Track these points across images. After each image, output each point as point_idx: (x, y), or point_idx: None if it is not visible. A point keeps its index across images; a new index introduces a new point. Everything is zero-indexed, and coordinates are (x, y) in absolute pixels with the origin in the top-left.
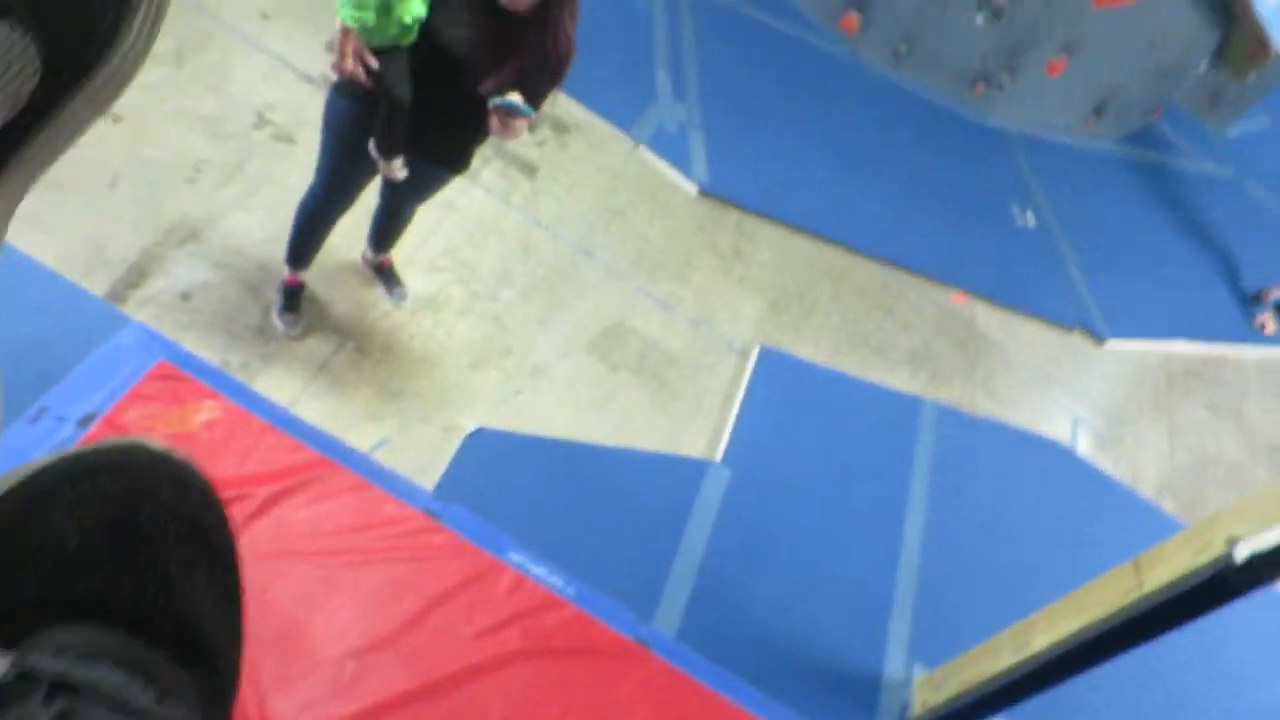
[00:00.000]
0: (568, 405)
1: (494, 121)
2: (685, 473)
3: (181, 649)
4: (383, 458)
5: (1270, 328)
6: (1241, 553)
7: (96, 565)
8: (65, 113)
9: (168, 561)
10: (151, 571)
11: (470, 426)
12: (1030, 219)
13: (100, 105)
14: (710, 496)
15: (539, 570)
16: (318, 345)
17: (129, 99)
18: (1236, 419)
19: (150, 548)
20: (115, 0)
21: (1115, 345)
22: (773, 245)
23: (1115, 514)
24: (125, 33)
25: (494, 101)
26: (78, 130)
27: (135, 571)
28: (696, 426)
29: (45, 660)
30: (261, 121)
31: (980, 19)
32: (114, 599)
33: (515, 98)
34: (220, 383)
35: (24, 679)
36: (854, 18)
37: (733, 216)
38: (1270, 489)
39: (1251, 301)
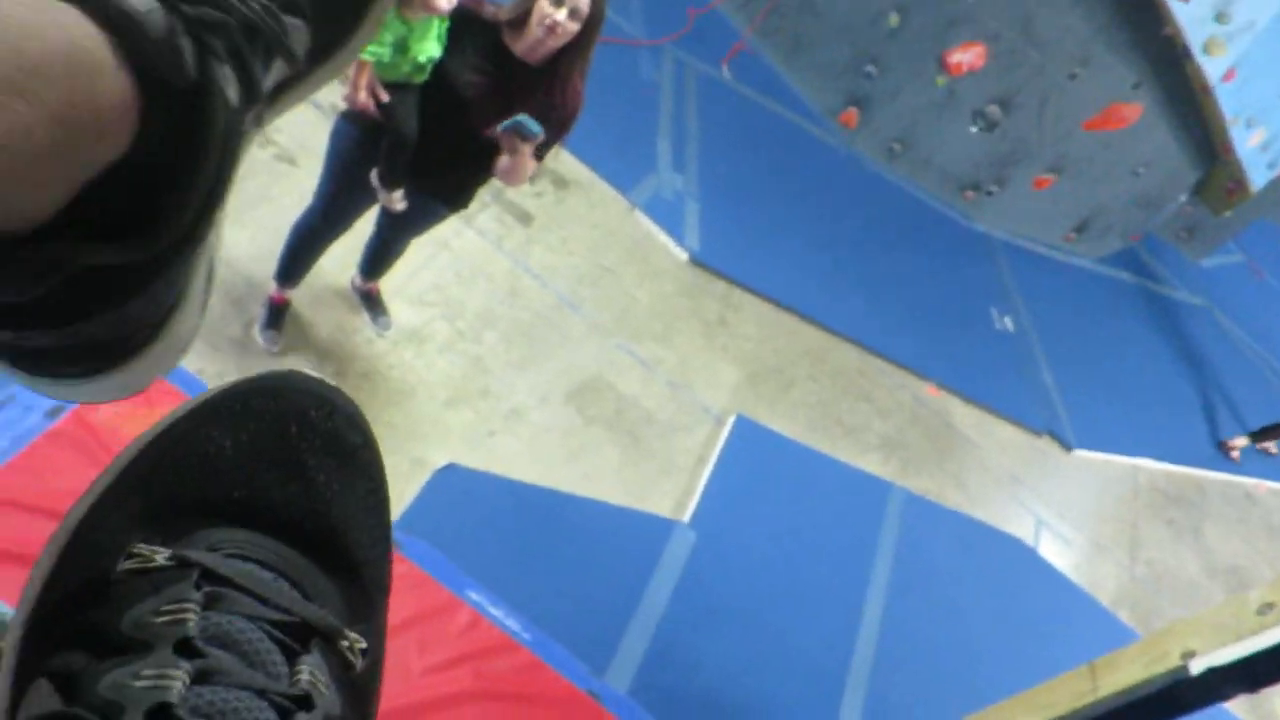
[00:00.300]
0: (540, 452)
1: (502, 147)
2: (652, 530)
3: (328, 558)
4: None
5: (1236, 455)
6: (1197, 667)
7: (248, 475)
8: (314, 77)
9: (314, 474)
10: (298, 482)
11: (439, 462)
12: (1009, 323)
13: (335, 75)
14: (674, 556)
15: (496, 611)
16: (296, 364)
17: None
18: (1196, 538)
19: (297, 461)
20: (358, 4)
21: (1083, 454)
22: (757, 318)
23: (1072, 617)
24: (361, 26)
25: (504, 124)
26: (317, 89)
27: (283, 482)
28: (665, 487)
29: (200, 554)
30: (265, 141)
31: (974, 129)
32: (264, 507)
33: (525, 117)
34: (193, 389)
35: (180, 567)
36: (853, 113)
37: (720, 286)
38: (1226, 605)
39: (1218, 447)
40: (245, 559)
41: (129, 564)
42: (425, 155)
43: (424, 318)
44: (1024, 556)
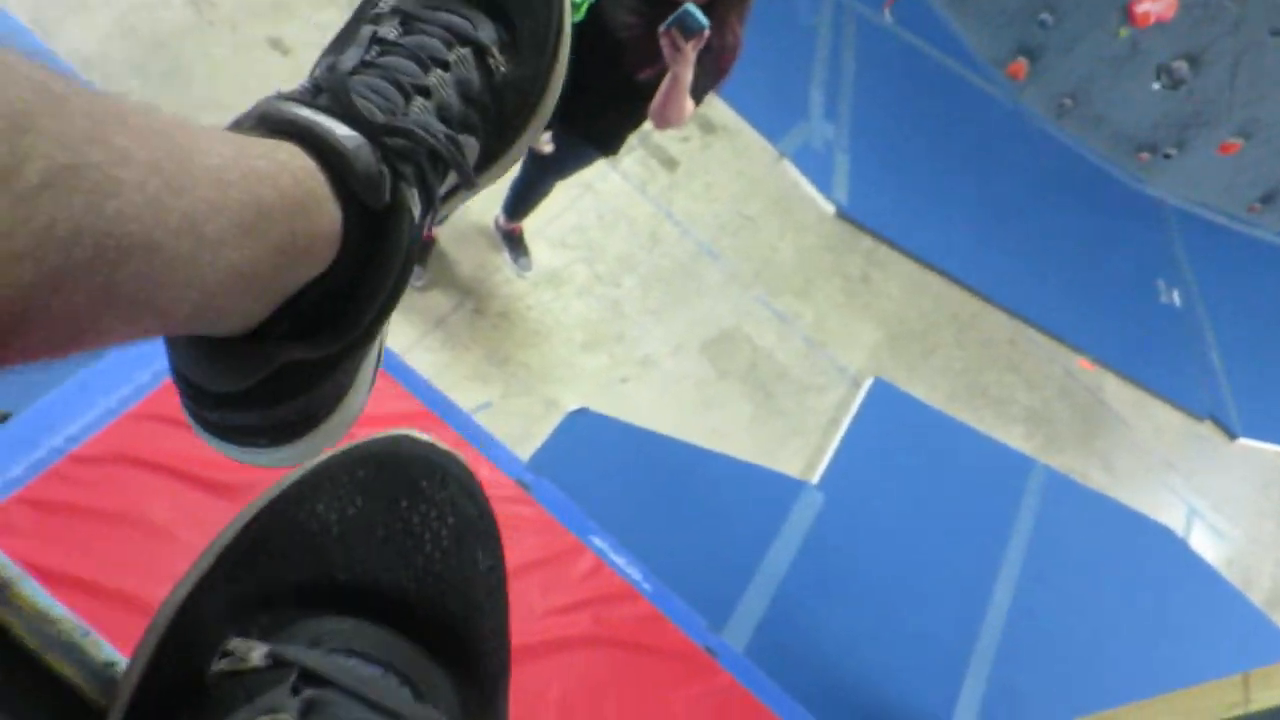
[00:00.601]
0: (670, 401)
1: (663, 53)
2: (780, 490)
3: (444, 647)
4: (483, 420)
5: None
6: None
7: (355, 556)
8: (480, 181)
9: (428, 552)
10: (410, 562)
11: (571, 405)
12: (1175, 297)
13: (498, 178)
14: (801, 518)
15: (619, 559)
16: (438, 300)
17: (298, 35)
18: None
19: (409, 537)
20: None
21: (1248, 444)
22: (902, 278)
23: (1220, 616)
24: (522, 137)
25: (667, 22)
26: (481, 190)
27: (393, 563)
28: (795, 446)
29: (299, 651)
30: None
31: (1157, 86)
32: (373, 591)
33: (691, 6)
34: None
35: (277, 667)
36: (1023, 64)
37: (865, 242)
38: None
39: None
40: (351, 653)
41: (223, 664)
42: (577, 98)
43: (564, 260)
44: (1172, 547)
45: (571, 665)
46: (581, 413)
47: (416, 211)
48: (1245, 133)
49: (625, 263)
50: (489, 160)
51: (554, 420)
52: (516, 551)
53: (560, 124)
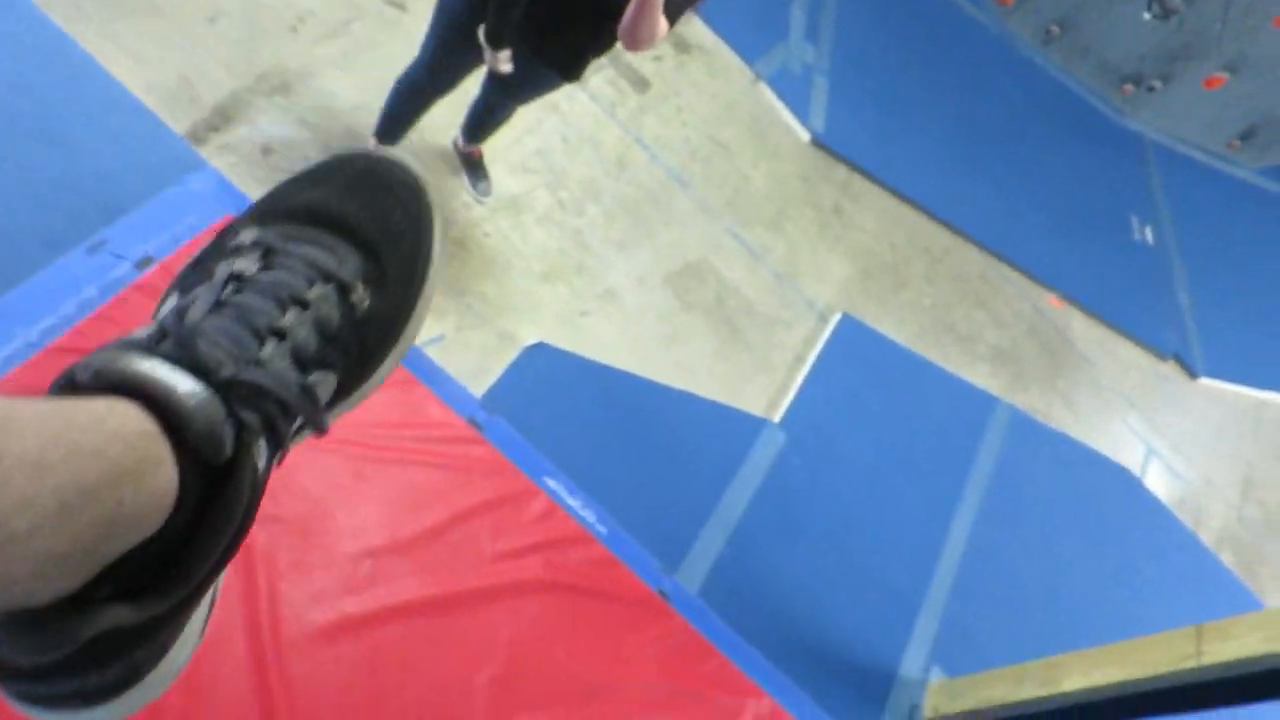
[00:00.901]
0: (633, 335)
1: None
2: (741, 428)
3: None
4: (436, 354)
5: None
6: None
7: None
8: (331, 415)
9: (393, 214)
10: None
11: (529, 339)
12: (1149, 234)
13: (350, 409)
14: (761, 457)
15: (573, 501)
16: None
17: None
18: None
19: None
20: (378, 355)
21: (1208, 384)
22: (876, 211)
23: (1170, 555)
24: (376, 372)
25: None
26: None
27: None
28: (760, 382)
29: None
30: None
31: (1148, 16)
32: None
33: None
34: None
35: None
36: None
37: (840, 173)
38: None
39: None
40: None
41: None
42: (538, 14)
43: (526, 185)
44: (1128, 486)
45: (522, 610)
46: (539, 347)
47: (262, 461)
48: (1232, 67)
49: (590, 189)
50: (344, 394)
51: (510, 354)
52: (467, 493)
53: (520, 43)
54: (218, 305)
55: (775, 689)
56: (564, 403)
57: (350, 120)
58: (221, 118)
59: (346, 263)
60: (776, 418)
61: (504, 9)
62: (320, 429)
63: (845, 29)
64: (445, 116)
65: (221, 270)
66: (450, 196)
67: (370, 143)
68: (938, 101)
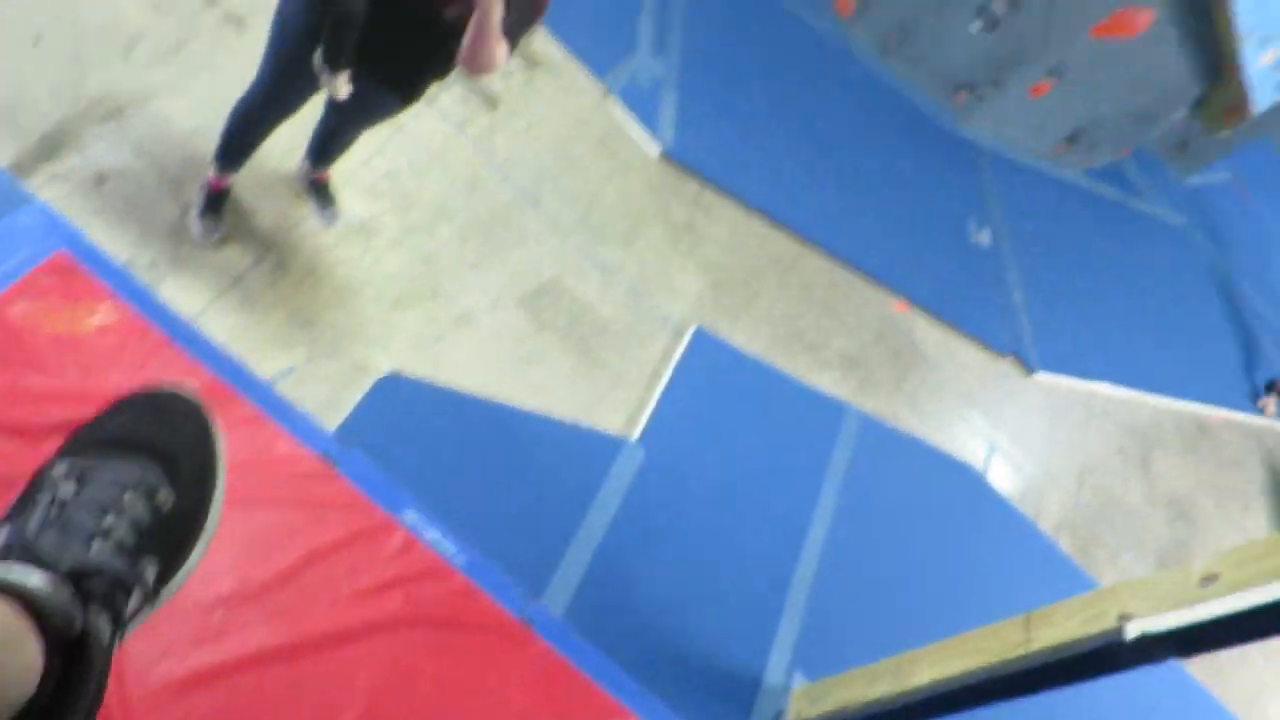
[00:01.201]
0: (489, 359)
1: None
2: (599, 449)
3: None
4: (287, 388)
5: (1271, 410)
6: (1131, 631)
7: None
8: (159, 597)
9: (180, 430)
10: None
11: (384, 366)
12: (985, 237)
13: (174, 592)
14: (620, 476)
15: (431, 534)
16: (235, 256)
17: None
18: (1144, 467)
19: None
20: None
21: (1043, 378)
22: (727, 223)
23: (1011, 545)
24: (189, 558)
25: None
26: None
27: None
28: (617, 400)
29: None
30: (212, 1)
31: (976, 26)
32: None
33: None
34: (122, 285)
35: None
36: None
37: (692, 187)
38: (1169, 574)
39: (1265, 390)
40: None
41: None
42: (375, 37)
43: (375, 210)
44: (972, 482)
45: (381, 649)
46: (393, 378)
47: (106, 633)
48: (1056, 73)
49: (440, 211)
50: (166, 578)
51: (364, 385)
52: (321, 531)
53: (358, 64)
54: (48, 523)
55: (642, 709)
56: (420, 432)
57: (187, 146)
58: (50, 147)
59: (148, 472)
60: (635, 434)
61: (340, 31)
62: (153, 600)
63: (692, 41)
64: (291, 139)
65: (43, 498)
66: (297, 224)
67: (209, 170)
68: (783, 112)
